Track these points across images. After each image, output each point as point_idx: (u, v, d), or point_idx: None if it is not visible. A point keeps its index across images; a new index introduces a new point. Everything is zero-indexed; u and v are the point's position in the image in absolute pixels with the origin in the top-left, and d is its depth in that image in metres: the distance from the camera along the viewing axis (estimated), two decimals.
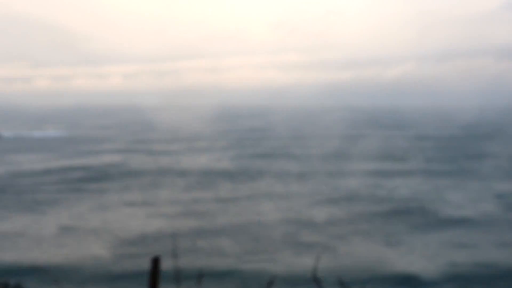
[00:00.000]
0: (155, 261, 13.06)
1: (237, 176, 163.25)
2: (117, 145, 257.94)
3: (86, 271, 77.34)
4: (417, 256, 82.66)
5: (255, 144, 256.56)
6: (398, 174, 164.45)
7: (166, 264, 15.30)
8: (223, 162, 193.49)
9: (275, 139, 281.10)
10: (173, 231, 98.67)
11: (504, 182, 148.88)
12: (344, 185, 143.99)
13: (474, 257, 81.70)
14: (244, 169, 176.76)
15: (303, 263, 75.44)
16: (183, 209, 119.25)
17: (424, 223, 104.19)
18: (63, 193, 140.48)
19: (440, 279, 72.04)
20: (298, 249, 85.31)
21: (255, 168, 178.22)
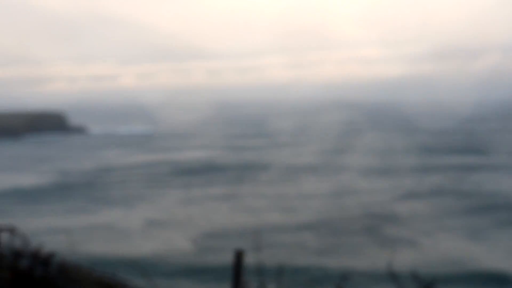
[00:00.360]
0: (239, 255, 13.54)
1: (320, 170, 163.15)
2: (202, 141, 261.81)
3: (171, 264, 79.35)
4: (504, 252, 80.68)
5: (337, 139, 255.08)
6: (482, 168, 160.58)
7: (249, 258, 15.85)
8: (305, 157, 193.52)
9: (357, 133, 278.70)
10: (257, 225, 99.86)
11: None
12: (427, 180, 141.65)
13: None
14: (326, 163, 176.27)
15: (386, 258, 74.86)
16: (267, 203, 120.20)
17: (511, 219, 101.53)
18: (150, 187, 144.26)
19: None
20: (381, 244, 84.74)
21: (337, 163, 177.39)
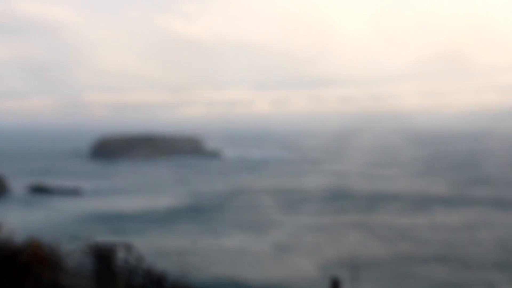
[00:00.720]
0: (335, 283, 13.22)
1: (452, 202, 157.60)
2: (334, 167, 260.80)
3: None
4: None
5: (470, 169, 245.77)
6: None
7: None
8: (438, 187, 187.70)
9: (491, 165, 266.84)
10: (386, 255, 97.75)
11: None
12: None
13: None
14: (460, 195, 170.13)
15: None
16: (397, 233, 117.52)
17: None
18: (280, 212, 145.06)
19: None
20: None
21: (471, 194, 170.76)
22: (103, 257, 11.65)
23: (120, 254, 12.46)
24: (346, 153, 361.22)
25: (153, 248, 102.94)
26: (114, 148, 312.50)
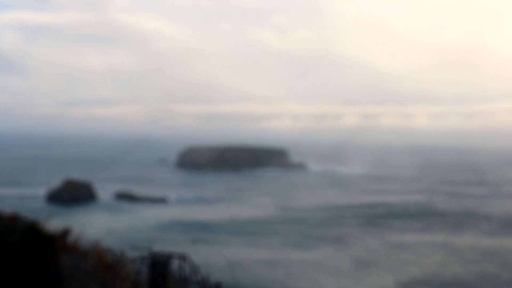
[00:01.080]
0: None
1: None
2: (421, 185, 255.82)
3: None
4: None
5: None
6: None
7: None
8: None
9: None
10: (471, 277, 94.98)
11: None
12: None
13: None
14: None
15: None
16: (482, 254, 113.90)
17: None
18: (363, 228, 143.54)
19: None
20: None
21: None
22: (158, 266, 11.96)
23: (176, 264, 12.74)
24: (434, 170, 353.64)
25: (230, 259, 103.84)
26: (200, 158, 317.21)
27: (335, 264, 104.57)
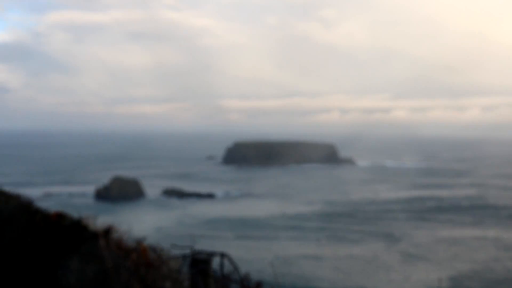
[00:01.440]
0: None
1: None
2: (472, 179, 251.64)
3: None
4: None
5: None
6: None
7: None
8: None
9: None
10: None
11: None
12: None
13: None
14: None
15: None
16: None
17: None
18: (412, 222, 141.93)
19: None
20: None
21: None
22: (199, 264, 11.93)
23: (217, 263, 12.71)
24: (486, 164, 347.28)
25: (277, 254, 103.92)
26: (248, 154, 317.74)
27: (384, 259, 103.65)
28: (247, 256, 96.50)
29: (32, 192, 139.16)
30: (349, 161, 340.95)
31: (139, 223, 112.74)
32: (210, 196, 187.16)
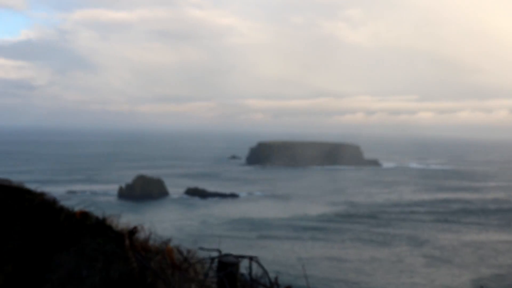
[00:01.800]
0: None
1: None
2: (500, 182, 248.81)
3: None
4: None
5: None
6: None
7: None
8: None
9: None
10: None
11: None
12: None
13: None
14: None
15: None
16: None
17: None
18: (437, 224, 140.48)
19: None
20: None
21: None
22: (227, 267, 11.44)
23: (244, 267, 12.27)
24: None
25: (300, 255, 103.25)
26: (272, 154, 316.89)
27: (408, 262, 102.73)
28: (270, 256, 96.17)
29: (55, 190, 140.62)
30: (374, 163, 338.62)
31: (161, 222, 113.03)
32: (233, 196, 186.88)
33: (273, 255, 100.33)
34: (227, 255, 12.65)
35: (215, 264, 12.68)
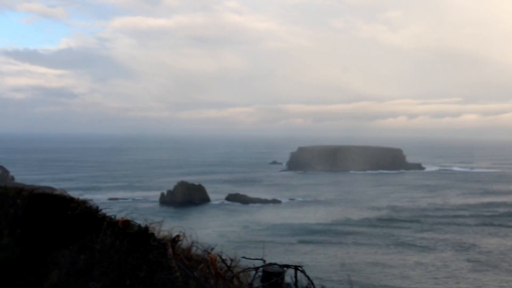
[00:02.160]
0: None
1: None
2: None
3: None
4: None
5: None
6: None
7: None
8: None
9: None
10: None
11: None
12: None
13: None
14: None
15: None
16: None
17: None
18: (482, 229, 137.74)
19: None
20: None
21: None
22: (272, 277, 11.16)
23: (290, 275, 11.97)
24: None
25: (343, 261, 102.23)
26: (313, 159, 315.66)
27: (454, 268, 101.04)
28: (312, 262, 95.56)
29: (97, 197, 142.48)
30: (417, 166, 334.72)
31: (204, 229, 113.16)
32: (274, 202, 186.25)
33: (315, 261, 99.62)
34: (271, 264, 12.38)
35: (259, 273, 12.42)
